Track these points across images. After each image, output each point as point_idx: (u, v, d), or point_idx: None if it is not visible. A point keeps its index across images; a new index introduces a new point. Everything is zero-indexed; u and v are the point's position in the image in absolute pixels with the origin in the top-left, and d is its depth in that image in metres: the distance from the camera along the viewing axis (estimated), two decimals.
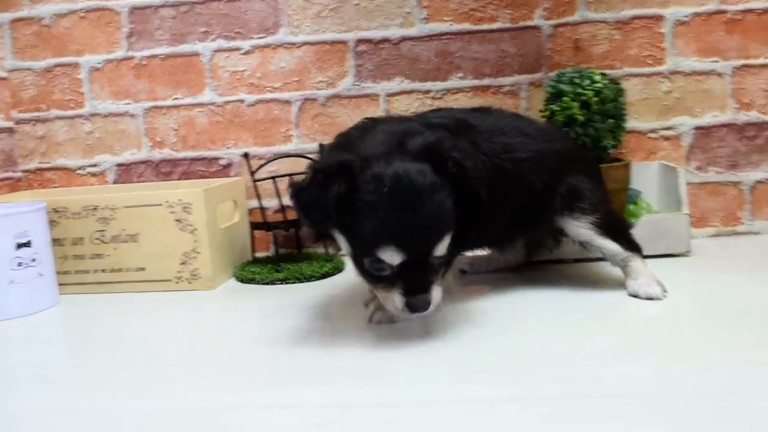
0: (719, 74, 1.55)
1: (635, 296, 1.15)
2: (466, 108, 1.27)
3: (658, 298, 1.13)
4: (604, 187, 1.25)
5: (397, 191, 0.93)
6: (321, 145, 1.48)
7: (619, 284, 1.20)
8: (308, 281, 1.41)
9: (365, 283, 1.03)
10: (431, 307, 0.96)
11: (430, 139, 1.00)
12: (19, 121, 1.73)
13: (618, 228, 1.21)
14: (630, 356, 0.91)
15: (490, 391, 0.82)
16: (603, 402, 0.77)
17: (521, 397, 0.80)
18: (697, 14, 1.53)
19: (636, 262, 1.18)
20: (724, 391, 0.78)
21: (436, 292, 0.97)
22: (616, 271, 1.21)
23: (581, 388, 0.81)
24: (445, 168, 0.95)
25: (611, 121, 1.40)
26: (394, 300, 0.96)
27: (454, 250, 1.03)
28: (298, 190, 1.00)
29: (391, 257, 0.93)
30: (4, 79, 1.71)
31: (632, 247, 1.19)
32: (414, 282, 0.95)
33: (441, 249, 0.96)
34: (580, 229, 1.18)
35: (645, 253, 1.21)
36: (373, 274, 0.97)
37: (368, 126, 1.09)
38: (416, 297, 0.95)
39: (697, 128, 1.57)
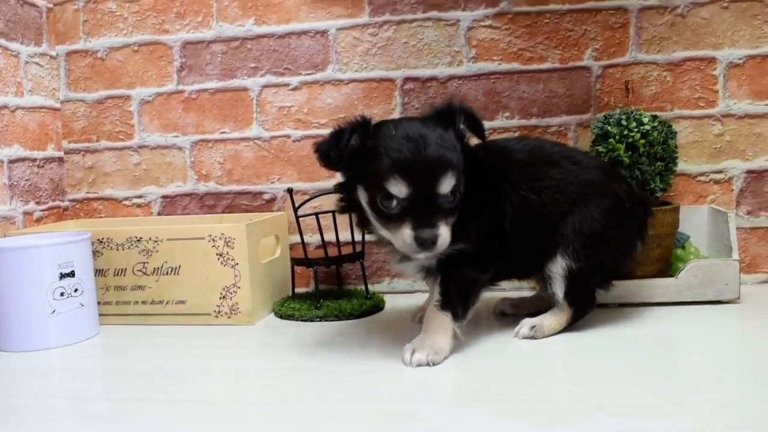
0: None
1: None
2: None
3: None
4: (618, 228, 1.21)
5: (405, 134, 1.03)
6: None
7: (663, 331, 1.17)
8: (347, 319, 1.40)
9: (379, 230, 1.11)
10: (439, 243, 1.02)
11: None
12: (69, 151, 1.76)
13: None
14: (673, 407, 0.88)
15: None
16: None
17: None
18: (751, 56, 1.51)
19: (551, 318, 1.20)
20: None
21: (444, 230, 1.03)
22: (661, 317, 1.19)
23: None
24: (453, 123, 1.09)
25: (660, 164, 1.37)
26: (404, 235, 1.02)
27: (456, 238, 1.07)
28: (319, 144, 1.09)
29: (399, 190, 1.01)
30: (57, 109, 1.74)
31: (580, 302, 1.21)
32: (422, 216, 1.02)
33: (446, 186, 1.02)
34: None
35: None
36: (385, 212, 1.04)
37: None
38: (423, 230, 1.01)
39: (749, 172, 1.53)
